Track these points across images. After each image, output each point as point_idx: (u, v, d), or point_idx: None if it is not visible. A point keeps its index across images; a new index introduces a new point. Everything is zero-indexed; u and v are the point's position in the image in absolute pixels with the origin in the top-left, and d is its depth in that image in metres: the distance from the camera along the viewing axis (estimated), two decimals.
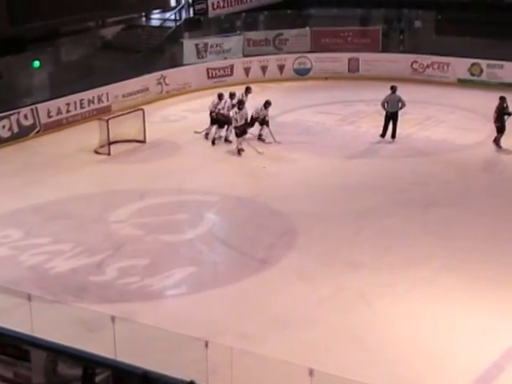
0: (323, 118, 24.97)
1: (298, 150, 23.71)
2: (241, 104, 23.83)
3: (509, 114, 22.99)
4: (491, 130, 23.71)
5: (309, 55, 32.64)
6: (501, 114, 23.06)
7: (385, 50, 33.06)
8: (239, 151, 23.31)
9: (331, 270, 16.41)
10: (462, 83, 30.76)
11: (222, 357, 11.34)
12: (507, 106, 23.10)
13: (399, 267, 16.35)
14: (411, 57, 32.14)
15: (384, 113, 24.22)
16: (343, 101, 26.07)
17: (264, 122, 24.25)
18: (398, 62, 32.04)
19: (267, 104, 24.27)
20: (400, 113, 23.96)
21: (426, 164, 22.55)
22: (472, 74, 31.23)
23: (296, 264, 16.75)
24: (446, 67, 31.57)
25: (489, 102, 24.36)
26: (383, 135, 24.20)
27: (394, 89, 24.16)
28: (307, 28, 33.58)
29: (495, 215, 18.85)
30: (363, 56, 32.50)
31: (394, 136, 24.14)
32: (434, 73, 31.69)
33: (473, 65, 31.20)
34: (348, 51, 32.77)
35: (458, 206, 19.42)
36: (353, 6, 34.29)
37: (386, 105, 24.17)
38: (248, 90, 25.41)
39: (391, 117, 24.06)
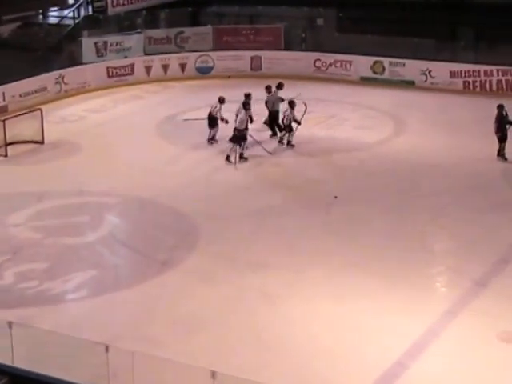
0: (226, 116, 24.62)
1: (198, 150, 23.40)
2: (246, 105, 22.84)
3: (510, 123, 21.92)
4: (393, 127, 23.90)
5: (211, 53, 32.38)
6: (502, 122, 21.92)
7: (287, 48, 33.07)
8: (228, 157, 22.36)
9: (233, 271, 16.20)
10: (365, 81, 30.93)
11: (123, 361, 11.13)
12: (507, 114, 22.03)
13: (301, 266, 16.23)
14: (314, 55, 32.20)
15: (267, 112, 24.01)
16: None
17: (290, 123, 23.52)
18: (301, 60, 32.07)
19: (292, 104, 23.35)
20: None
21: (328, 162, 22.50)
22: (374, 72, 31.44)
23: (198, 265, 16.51)
24: (348, 65, 31.70)
25: (391, 99, 24.58)
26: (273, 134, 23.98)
27: (269, 89, 23.89)
28: (209, 26, 33.32)
29: (397, 213, 18.90)
30: (266, 54, 32.42)
31: (275, 133, 23.90)
32: (336, 71, 31.79)
33: (375, 63, 31.42)
34: (250, 49, 32.64)
35: (361, 204, 19.42)
36: (255, 4, 34.20)
37: (269, 104, 23.90)
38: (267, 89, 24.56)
39: (274, 115, 23.86)
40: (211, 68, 32.36)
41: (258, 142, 23.09)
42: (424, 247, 17.37)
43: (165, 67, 31.76)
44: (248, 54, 32.47)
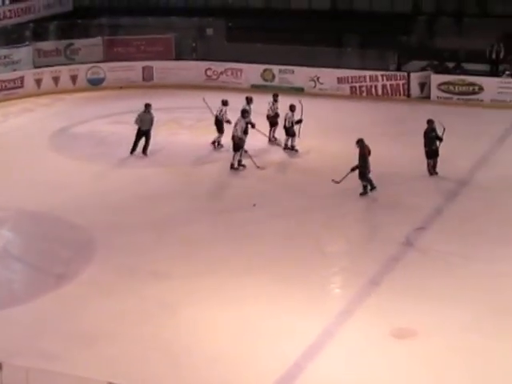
0: (119, 128, 24.65)
1: (93, 161, 23.28)
2: (244, 113, 22.98)
3: (440, 140, 21.38)
4: (280, 132, 24.24)
5: (102, 65, 32.25)
6: (428, 138, 21.35)
7: (179, 57, 33.19)
8: (232, 166, 22.43)
9: (133, 282, 16.16)
10: (256, 89, 31.28)
11: (17, 378, 10.93)
12: (434, 130, 21.40)
13: (201, 274, 16.32)
14: (205, 64, 32.46)
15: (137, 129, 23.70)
16: (139, 110, 25.73)
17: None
18: (192, 69, 32.28)
19: (293, 107, 23.84)
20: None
21: (227, 168, 22.64)
22: (265, 80, 31.89)
23: (96, 277, 16.38)
24: (239, 73, 32.06)
25: (282, 106, 24.82)
26: (133, 151, 23.64)
27: (147, 107, 23.61)
28: (99, 37, 33.16)
29: (292, 215, 19.22)
30: (157, 64, 32.50)
31: (145, 153, 23.65)
32: (227, 79, 32.11)
33: (265, 70, 31.88)
34: (142, 60, 32.69)
35: (258, 208, 19.61)
36: (145, 15, 34.20)
37: (139, 122, 23.65)
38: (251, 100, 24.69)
39: (143, 134, 23.62)
40: (103, 79, 32.22)
41: (250, 156, 23.00)
42: (319, 248, 17.69)
43: (55, 79, 31.45)
44: (139, 65, 32.49)
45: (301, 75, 31.26)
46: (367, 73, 30.44)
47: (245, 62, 31.89)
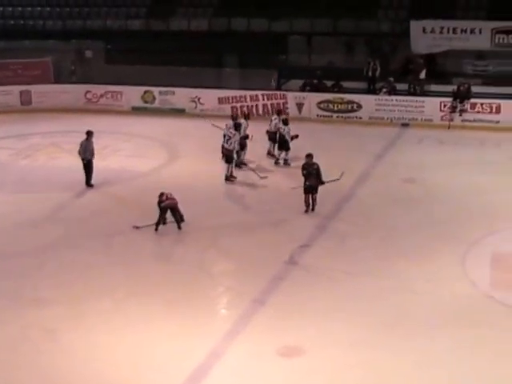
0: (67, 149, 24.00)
1: None
2: (236, 126, 23.59)
3: (321, 182, 20.41)
4: (167, 155, 24.16)
5: None
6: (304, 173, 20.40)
7: (57, 81, 32.76)
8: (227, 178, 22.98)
9: (15, 310, 15.73)
10: (137, 111, 31.16)
11: None
12: (311, 165, 20.26)
13: (85, 300, 16.02)
14: (84, 87, 32.19)
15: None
16: (17, 135, 25.37)
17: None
18: (71, 92, 31.97)
19: (286, 121, 24.59)
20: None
21: (106, 193, 22.41)
22: (145, 102, 31.84)
23: None
24: (119, 96, 31.89)
25: (164, 128, 24.91)
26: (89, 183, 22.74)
27: (89, 135, 22.71)
28: None
29: (176, 236, 19.15)
30: (35, 88, 32.02)
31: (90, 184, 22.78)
32: (108, 102, 31.92)
33: (145, 92, 31.84)
34: (19, 84, 32.14)
35: (136, 231, 19.41)
36: (22, 38, 33.65)
37: (82, 152, 22.66)
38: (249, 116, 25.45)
39: (89, 163, 22.73)
40: None
41: (251, 169, 23.59)
42: (204, 269, 17.60)
43: None
44: (17, 89, 31.99)
45: (182, 96, 31.33)
46: (248, 92, 30.72)
47: (125, 84, 31.76)
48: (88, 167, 22.63)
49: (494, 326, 14.84)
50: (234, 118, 24.71)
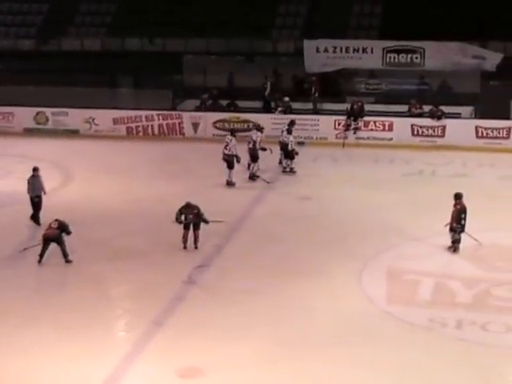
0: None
1: None
2: (233, 132, 25.14)
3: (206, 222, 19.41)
4: (61, 177, 23.78)
5: None
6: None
7: None
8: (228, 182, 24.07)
9: None
10: (29, 132, 30.58)
11: None
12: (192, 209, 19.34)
13: None
14: None
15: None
16: None
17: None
18: None
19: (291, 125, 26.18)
20: None
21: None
22: (38, 123, 31.27)
23: None
24: (10, 117, 31.26)
25: (57, 149, 24.52)
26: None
27: (36, 171, 21.66)
28: None
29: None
30: None
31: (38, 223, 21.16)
32: None
33: (38, 113, 31.27)
34: None
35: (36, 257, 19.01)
36: None
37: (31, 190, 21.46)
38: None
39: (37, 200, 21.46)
40: None
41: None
42: (103, 293, 17.36)
43: None
44: None
45: (75, 117, 30.89)
46: (143, 113, 30.54)
47: (16, 105, 31.15)
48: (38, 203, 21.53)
49: (391, 341, 15.02)
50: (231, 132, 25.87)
